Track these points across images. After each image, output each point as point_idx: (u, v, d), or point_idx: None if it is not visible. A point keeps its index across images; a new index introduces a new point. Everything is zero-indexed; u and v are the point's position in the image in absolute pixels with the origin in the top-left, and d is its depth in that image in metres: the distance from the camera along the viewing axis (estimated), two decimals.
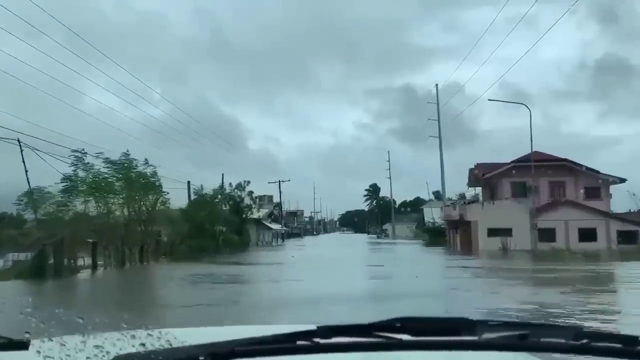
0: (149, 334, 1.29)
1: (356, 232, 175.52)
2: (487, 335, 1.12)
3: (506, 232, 41.62)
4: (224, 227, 43.77)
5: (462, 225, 44.99)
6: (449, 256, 38.43)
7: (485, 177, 45.07)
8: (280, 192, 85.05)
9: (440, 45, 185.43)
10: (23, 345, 1.27)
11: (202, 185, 47.22)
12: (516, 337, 1.12)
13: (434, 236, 60.26)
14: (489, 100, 72.89)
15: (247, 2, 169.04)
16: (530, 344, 1.12)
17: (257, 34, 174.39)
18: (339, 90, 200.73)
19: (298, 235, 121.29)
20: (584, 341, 1.10)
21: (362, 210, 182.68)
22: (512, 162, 43.76)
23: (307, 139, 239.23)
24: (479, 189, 51.60)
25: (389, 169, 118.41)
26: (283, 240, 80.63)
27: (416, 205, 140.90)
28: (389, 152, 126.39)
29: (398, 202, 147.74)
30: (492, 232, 41.95)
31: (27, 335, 1.33)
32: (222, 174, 47.25)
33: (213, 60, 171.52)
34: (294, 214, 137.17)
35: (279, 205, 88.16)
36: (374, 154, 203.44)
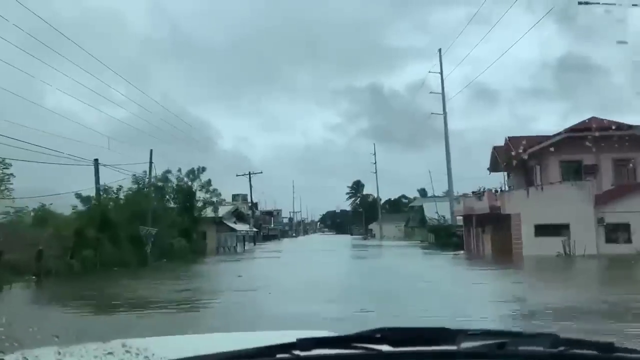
0: (126, 350, 1.21)
1: (338, 232, 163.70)
2: (466, 345, 1.10)
3: (560, 229, 29.13)
4: (155, 229, 30.24)
5: (494, 222, 32.37)
6: (485, 269, 25.65)
7: (523, 154, 32.38)
8: (250, 187, 72.01)
9: (409, 45, 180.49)
10: None
11: (148, 172, 33.71)
12: (495, 345, 1.10)
13: (441, 236, 47.63)
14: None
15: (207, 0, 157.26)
16: (509, 352, 1.11)
17: (221, 32, 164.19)
18: (309, 91, 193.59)
19: (275, 237, 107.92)
20: (561, 348, 1.10)
21: (344, 211, 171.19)
22: (565, 130, 31.20)
23: (279, 140, 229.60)
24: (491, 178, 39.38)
25: (375, 162, 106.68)
26: (254, 244, 67.21)
27: (400, 204, 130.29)
28: (374, 144, 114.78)
29: (382, 200, 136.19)
30: (541, 230, 29.39)
31: (1, 354, 1.25)
32: (150, 150, 33.43)
33: (176, 60, 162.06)
34: (270, 214, 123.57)
35: (249, 202, 74.93)
36: (349, 154, 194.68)
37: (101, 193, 29.93)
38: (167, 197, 39.12)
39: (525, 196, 30.50)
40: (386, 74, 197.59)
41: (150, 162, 32.21)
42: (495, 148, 38.18)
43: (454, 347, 1.10)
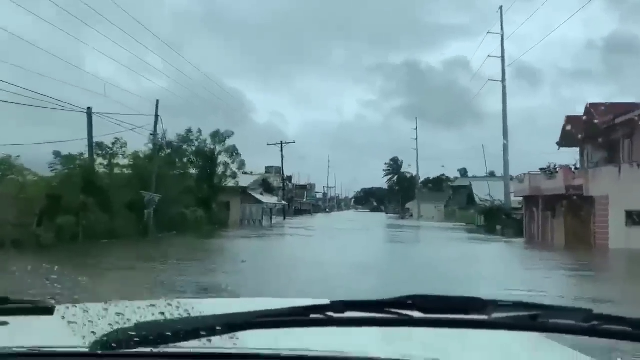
0: (168, 304, 1.28)
1: (372, 210, 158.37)
2: (497, 315, 1.10)
3: None
4: (159, 195, 25.50)
5: (569, 205, 26.51)
6: (568, 267, 19.93)
7: (610, 122, 26.22)
8: (282, 157, 67.16)
9: (447, 22, 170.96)
10: (48, 311, 1.28)
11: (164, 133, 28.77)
12: (526, 317, 1.11)
13: (494, 219, 41.70)
14: None
15: None
16: (540, 325, 1.12)
17: (256, 8, 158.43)
18: (344, 67, 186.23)
19: (307, 212, 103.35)
20: (594, 323, 1.09)
21: (379, 188, 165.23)
22: None
23: (314, 117, 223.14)
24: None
25: (416, 138, 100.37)
26: (284, 218, 62.63)
27: (439, 183, 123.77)
28: (416, 118, 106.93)
29: (420, 179, 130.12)
30: (636, 219, 23.46)
31: (52, 301, 1.33)
32: (157, 101, 28.55)
33: (211, 34, 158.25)
34: (303, 188, 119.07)
35: (280, 173, 70.33)
36: (385, 132, 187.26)
37: (99, 151, 25.36)
38: (186, 160, 34.40)
39: (617, 175, 24.45)
40: (423, 50, 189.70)
41: (156, 116, 27.28)
42: (569, 118, 31.93)
43: (484, 317, 1.10)
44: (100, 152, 25.76)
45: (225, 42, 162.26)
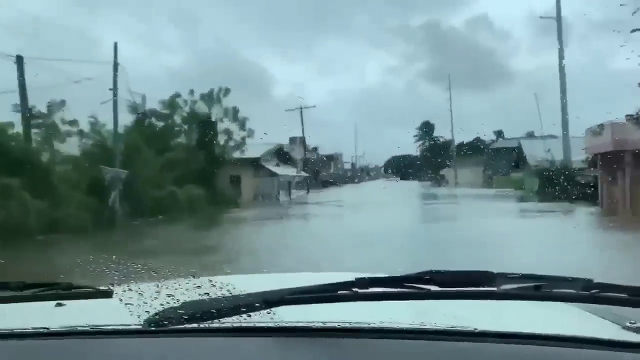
0: (212, 284, 1.43)
1: (403, 179, 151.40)
2: (505, 287, 1.20)
3: None
4: (125, 171, 19.45)
5: None
6: None
7: None
8: (302, 123, 60.77)
9: None
10: (107, 294, 1.40)
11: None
12: (531, 288, 1.20)
13: (553, 184, 34.48)
14: None
15: None
16: (544, 294, 1.21)
17: None
18: (365, 32, 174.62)
19: (335, 183, 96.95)
20: (594, 291, 1.18)
21: (410, 155, 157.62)
22: None
23: (337, 85, 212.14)
24: None
25: (450, 98, 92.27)
26: (307, 191, 56.43)
27: (476, 147, 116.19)
28: (449, 75, 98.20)
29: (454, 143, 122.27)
30: None
31: (110, 286, 1.45)
32: (115, 43, 21.86)
33: (227, 5, 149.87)
34: (330, 158, 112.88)
35: (302, 142, 64.04)
36: (412, 97, 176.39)
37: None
38: (176, 129, 28.36)
39: None
40: (444, 11, 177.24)
41: (115, 63, 20.83)
42: None
43: (494, 288, 1.19)
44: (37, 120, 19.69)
45: (241, 13, 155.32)
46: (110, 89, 20.63)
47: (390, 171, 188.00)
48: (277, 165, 41.44)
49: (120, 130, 22.66)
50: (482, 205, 33.16)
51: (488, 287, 1.19)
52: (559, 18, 36.61)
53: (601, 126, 27.08)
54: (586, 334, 1.24)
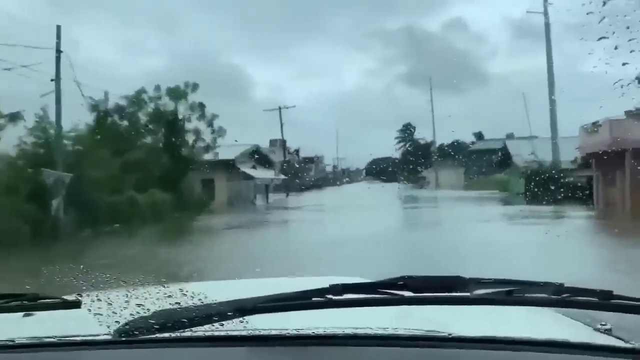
0: (183, 293, 1.38)
1: (385, 181, 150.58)
2: (478, 292, 1.20)
3: None
4: (69, 174, 17.10)
5: None
6: None
7: None
8: (281, 124, 58.71)
9: None
10: (75, 304, 1.36)
11: None
12: (504, 292, 1.20)
13: (541, 186, 32.78)
14: None
15: None
16: (516, 299, 1.21)
17: None
18: (344, 36, 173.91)
19: (316, 186, 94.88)
20: (565, 295, 1.19)
21: (391, 158, 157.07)
22: None
23: (317, 89, 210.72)
24: None
25: (431, 100, 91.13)
26: (287, 195, 54.20)
27: (459, 147, 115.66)
28: (430, 77, 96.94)
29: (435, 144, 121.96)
30: None
31: (78, 296, 1.41)
32: (58, 27, 19.14)
33: (206, 8, 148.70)
34: (310, 161, 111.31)
35: (282, 144, 61.99)
36: (392, 100, 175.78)
37: None
38: (141, 127, 26.03)
39: None
40: (422, 14, 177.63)
41: (58, 50, 18.29)
42: None
43: (467, 294, 1.19)
44: None
45: (220, 15, 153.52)
46: (52, 80, 18.10)
47: (371, 173, 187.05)
48: (254, 167, 39.21)
49: (79, 129, 20.37)
50: (466, 209, 31.34)
51: (461, 292, 1.19)
52: (546, 12, 35.20)
53: (596, 124, 25.46)
54: (559, 338, 1.25)
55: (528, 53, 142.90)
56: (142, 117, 26.51)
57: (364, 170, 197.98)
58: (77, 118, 20.99)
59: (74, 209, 17.26)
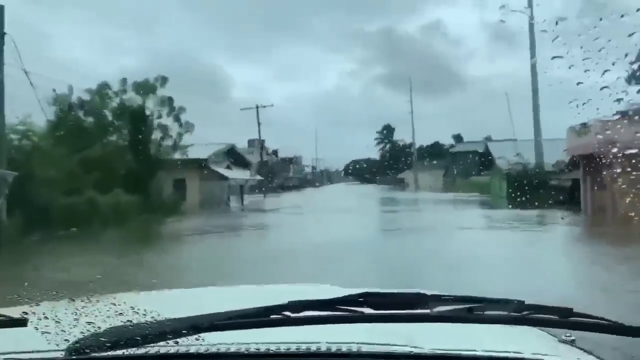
0: (135, 311, 1.32)
1: (363, 182, 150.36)
2: (439, 309, 1.19)
3: None
4: (14, 172, 15.43)
5: None
6: None
7: None
8: (258, 123, 57.10)
9: None
10: (22, 323, 1.30)
11: None
12: (464, 310, 1.19)
13: (525, 188, 31.80)
14: None
15: None
16: (476, 317, 1.20)
17: None
18: (324, 38, 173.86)
19: (294, 187, 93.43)
20: (525, 313, 1.19)
21: (370, 159, 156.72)
22: None
23: (297, 90, 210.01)
24: None
25: (410, 101, 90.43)
26: (264, 195, 52.64)
27: (438, 151, 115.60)
28: (410, 78, 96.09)
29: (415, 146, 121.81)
30: None
31: (24, 315, 1.34)
32: (1, 6, 17.75)
33: (184, 7, 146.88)
34: (289, 161, 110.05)
35: (260, 144, 60.41)
36: (372, 102, 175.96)
37: None
38: (106, 123, 24.27)
39: None
40: (401, 17, 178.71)
41: (1, 34, 16.53)
42: None
43: (427, 311, 1.18)
44: None
45: (198, 15, 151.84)
46: None
47: (350, 174, 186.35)
48: (229, 167, 37.54)
49: (28, 122, 18.60)
50: (446, 214, 30.22)
51: (422, 309, 1.18)
52: (530, 10, 34.26)
53: (584, 125, 24.46)
54: (524, 351, 1.25)
55: (506, 56, 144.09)
56: (108, 113, 24.75)
57: (343, 171, 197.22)
58: (28, 111, 19.23)
59: (20, 211, 15.56)
